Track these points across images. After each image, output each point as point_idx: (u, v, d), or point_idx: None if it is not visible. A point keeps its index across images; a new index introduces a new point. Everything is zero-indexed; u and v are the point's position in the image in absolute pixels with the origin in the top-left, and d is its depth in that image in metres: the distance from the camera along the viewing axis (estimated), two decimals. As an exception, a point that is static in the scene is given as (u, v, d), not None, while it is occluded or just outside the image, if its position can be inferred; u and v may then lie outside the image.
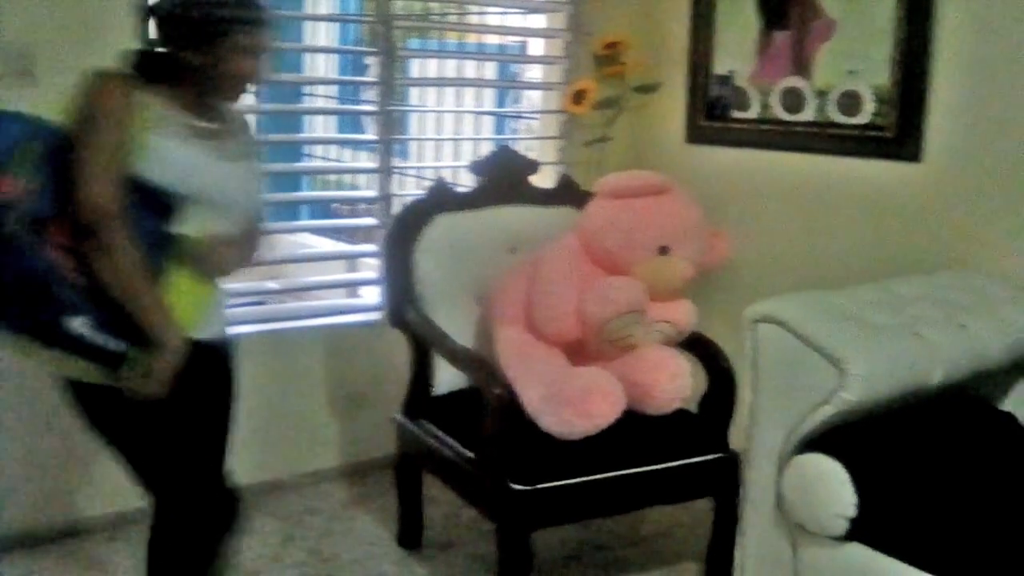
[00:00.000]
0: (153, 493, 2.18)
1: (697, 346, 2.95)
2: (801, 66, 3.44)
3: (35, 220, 1.92)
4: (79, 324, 1.93)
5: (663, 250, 2.92)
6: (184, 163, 2.08)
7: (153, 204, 2.02)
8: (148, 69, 2.13)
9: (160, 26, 2.14)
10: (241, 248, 2.24)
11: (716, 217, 3.16)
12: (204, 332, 2.15)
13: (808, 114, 3.43)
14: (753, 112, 3.60)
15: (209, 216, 2.11)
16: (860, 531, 2.19)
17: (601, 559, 3.16)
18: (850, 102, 3.30)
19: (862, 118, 3.27)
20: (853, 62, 3.29)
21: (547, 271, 2.93)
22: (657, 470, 2.74)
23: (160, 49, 2.16)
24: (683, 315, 2.94)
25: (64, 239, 1.93)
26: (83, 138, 1.99)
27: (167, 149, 2.06)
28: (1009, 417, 2.63)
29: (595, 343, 2.86)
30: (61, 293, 1.92)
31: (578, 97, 3.78)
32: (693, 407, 2.92)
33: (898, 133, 3.17)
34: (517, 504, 2.60)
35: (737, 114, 3.65)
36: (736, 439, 2.74)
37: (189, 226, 2.06)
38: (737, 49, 3.65)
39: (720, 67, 3.71)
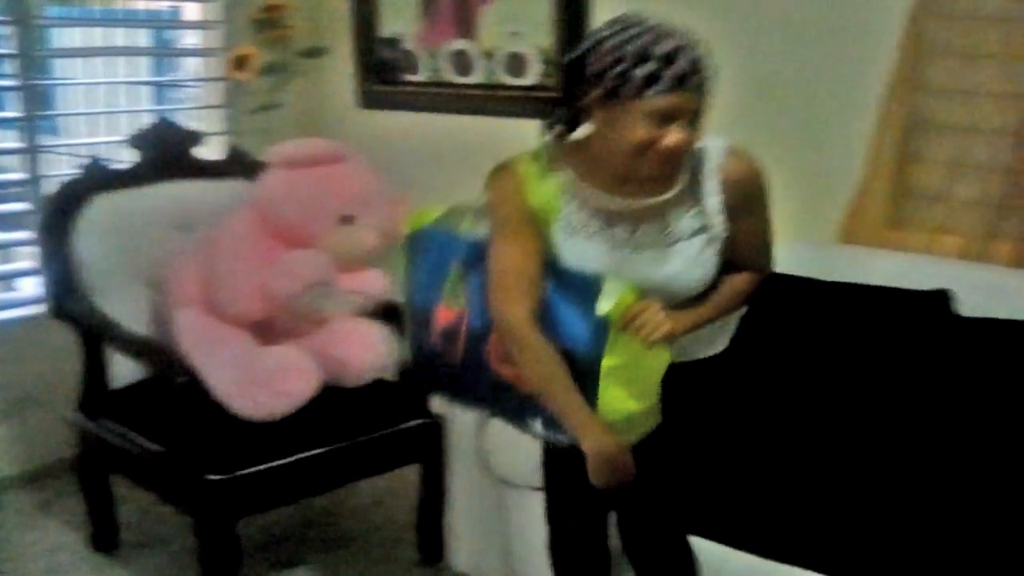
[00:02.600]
0: None
1: (391, 314, 2.91)
2: (466, 28, 3.47)
3: (474, 337, 1.96)
4: (538, 426, 1.94)
5: (346, 219, 2.87)
6: (582, 259, 1.90)
7: (573, 288, 1.89)
8: (562, 135, 1.93)
9: (567, 76, 1.89)
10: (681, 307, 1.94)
11: (397, 182, 3.13)
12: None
13: (478, 76, 3.46)
14: (423, 75, 3.59)
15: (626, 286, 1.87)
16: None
17: (315, 536, 3.09)
18: (517, 63, 3.36)
19: (530, 79, 3.34)
20: (516, 24, 3.35)
21: (224, 249, 2.81)
22: (361, 442, 2.69)
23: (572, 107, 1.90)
24: (373, 284, 2.90)
25: (503, 349, 1.92)
26: (491, 249, 1.93)
27: (567, 246, 1.91)
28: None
29: (284, 320, 2.77)
30: (512, 402, 1.95)
31: (240, 63, 3.62)
32: (392, 376, 2.89)
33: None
34: (216, 495, 2.48)
35: (408, 77, 3.63)
36: (438, 403, 2.74)
37: (609, 299, 1.84)
38: (402, 11, 3.62)
39: (386, 30, 3.67)
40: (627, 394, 1.85)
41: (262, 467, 2.53)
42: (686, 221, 1.89)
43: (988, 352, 2.24)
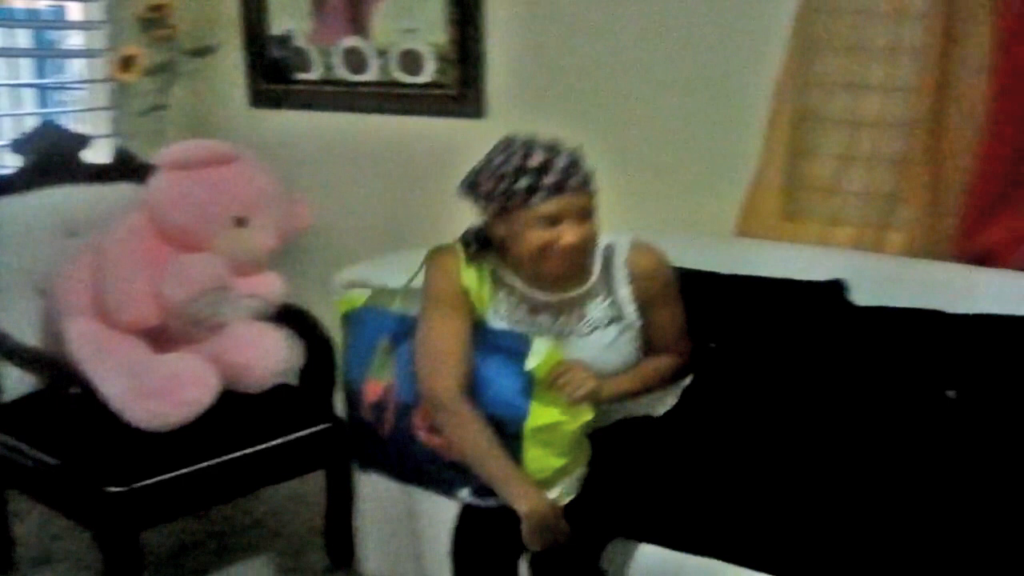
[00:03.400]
0: None
1: (290, 317, 2.87)
2: (359, 25, 3.44)
3: (402, 411, 2.06)
4: (465, 495, 2.02)
5: (240, 221, 2.82)
6: None
7: (503, 349, 2.01)
8: (480, 242, 2.09)
9: (467, 197, 2.08)
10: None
11: (293, 183, 3.10)
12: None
13: (372, 74, 3.43)
14: (316, 73, 3.55)
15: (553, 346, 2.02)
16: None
17: (221, 546, 3.04)
18: (411, 61, 3.34)
19: (425, 77, 3.33)
20: (409, 20, 3.33)
21: (115, 254, 2.74)
22: (264, 449, 2.65)
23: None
24: (270, 287, 2.86)
25: (429, 419, 2.02)
26: (421, 324, 2.05)
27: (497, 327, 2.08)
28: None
29: (179, 326, 2.71)
30: (440, 472, 2.03)
31: (126, 64, 3.53)
32: (293, 380, 2.86)
33: (460, 90, 3.26)
34: (115, 508, 2.41)
35: (300, 75, 3.58)
36: (342, 407, 2.72)
37: (537, 356, 1.97)
38: (292, 8, 3.57)
39: (277, 27, 3.61)
40: (550, 453, 1.95)
41: (162, 477, 2.47)
42: (601, 311, 2.10)
43: (882, 340, 2.31)
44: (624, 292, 2.11)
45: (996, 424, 2.17)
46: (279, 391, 2.77)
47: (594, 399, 1.98)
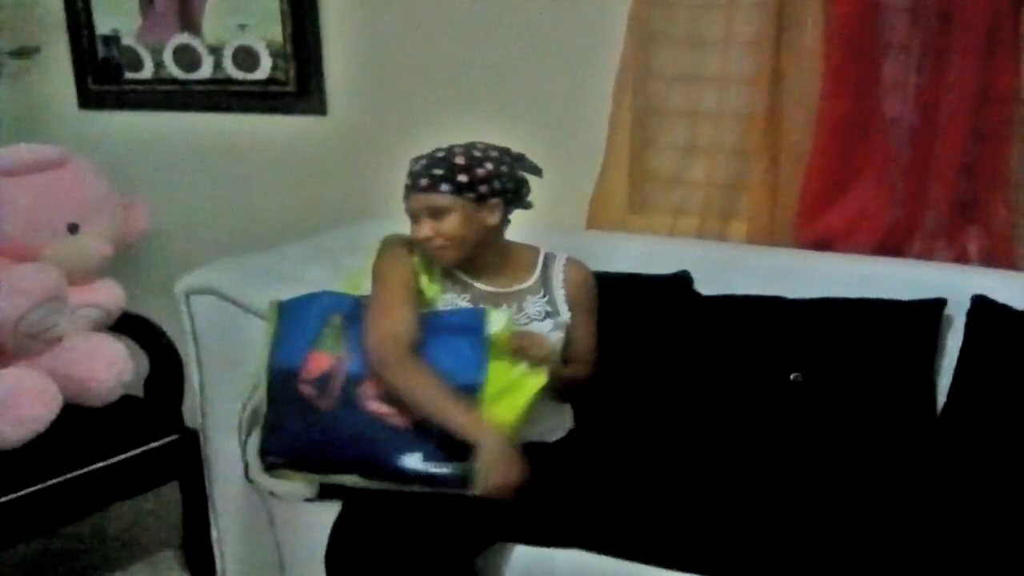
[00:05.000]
0: None
1: (132, 327, 2.81)
2: (190, 22, 3.35)
3: (351, 381, 2.06)
4: (414, 461, 2.00)
5: (72, 228, 2.74)
6: None
7: (454, 326, 2.09)
8: None
9: None
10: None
11: (128, 186, 3.02)
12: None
13: (206, 72, 3.36)
14: (147, 72, 3.45)
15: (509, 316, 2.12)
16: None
17: (74, 567, 2.95)
18: (246, 57, 3.28)
19: (261, 73, 3.28)
20: (243, 16, 3.27)
21: (-60, 269, 2.62)
22: (111, 464, 2.58)
23: None
24: (109, 296, 2.79)
25: (380, 388, 2.04)
26: (373, 298, 2.12)
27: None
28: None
29: (14, 341, 2.62)
30: (388, 438, 2.02)
31: (-60, 66, 3.38)
32: (139, 391, 2.79)
33: (300, 87, 3.22)
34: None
35: (131, 75, 3.48)
36: (191, 416, 2.66)
37: (497, 323, 2.05)
38: (118, 6, 3.46)
39: (103, 26, 3.50)
40: (507, 410, 2.01)
41: (5, 499, 2.40)
42: (539, 306, 2.24)
43: (728, 328, 2.39)
44: (560, 293, 2.27)
45: (840, 404, 2.27)
46: (124, 403, 2.71)
47: (547, 362, 2.07)
